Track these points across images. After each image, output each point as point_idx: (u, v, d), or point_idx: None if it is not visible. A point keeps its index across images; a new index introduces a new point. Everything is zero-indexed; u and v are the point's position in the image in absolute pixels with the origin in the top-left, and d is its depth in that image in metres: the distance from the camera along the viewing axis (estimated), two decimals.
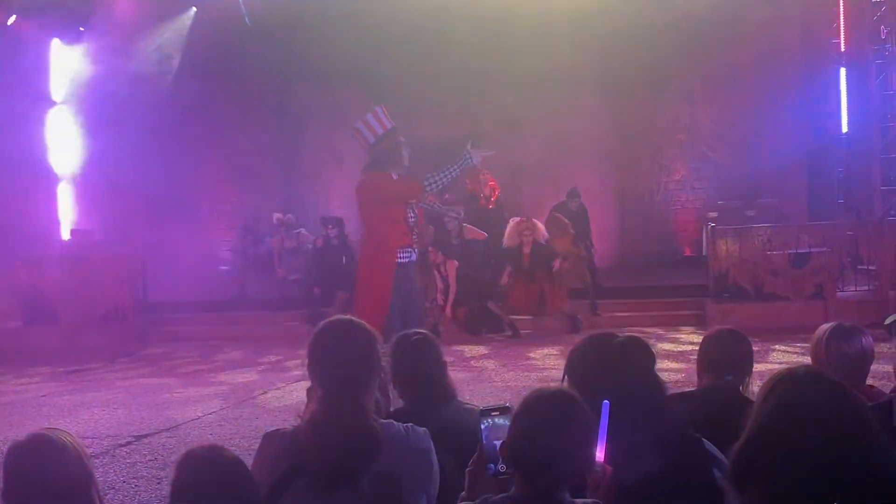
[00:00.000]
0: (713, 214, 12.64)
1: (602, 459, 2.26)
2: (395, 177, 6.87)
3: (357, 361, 2.68)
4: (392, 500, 2.59)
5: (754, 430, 1.99)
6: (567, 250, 11.67)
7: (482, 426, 2.49)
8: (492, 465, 2.30)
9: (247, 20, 13.93)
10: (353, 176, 7.46)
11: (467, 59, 14.30)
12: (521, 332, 11.43)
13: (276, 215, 13.56)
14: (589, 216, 12.62)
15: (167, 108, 14.58)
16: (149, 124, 14.04)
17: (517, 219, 11.63)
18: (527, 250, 11.31)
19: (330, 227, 12.41)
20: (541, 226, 11.56)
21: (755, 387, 7.49)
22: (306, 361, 2.71)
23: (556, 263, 11.24)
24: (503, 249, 11.64)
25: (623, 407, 2.26)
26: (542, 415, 2.23)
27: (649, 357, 2.58)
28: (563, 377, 2.61)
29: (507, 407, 2.39)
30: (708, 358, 3.52)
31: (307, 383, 2.73)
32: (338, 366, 2.65)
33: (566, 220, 12.03)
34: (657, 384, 2.56)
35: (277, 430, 2.71)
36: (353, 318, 2.79)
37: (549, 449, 2.18)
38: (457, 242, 11.85)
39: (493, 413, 2.46)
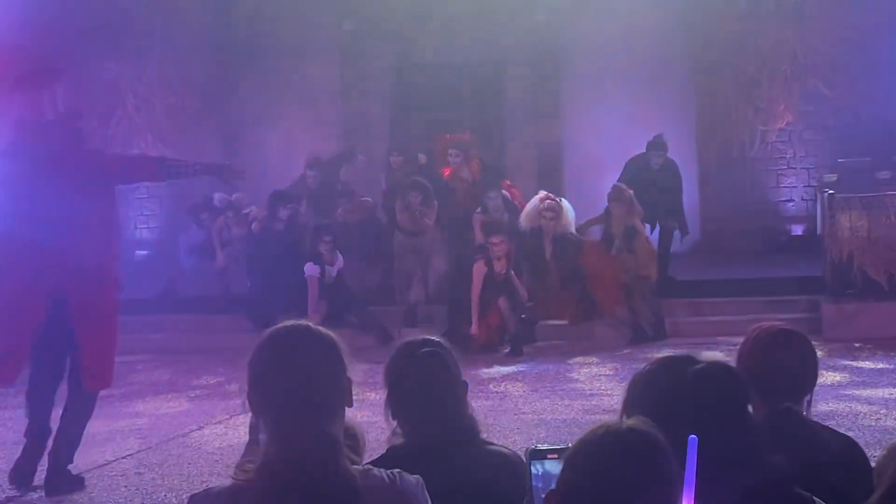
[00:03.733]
0: (831, 177, 13.19)
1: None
2: None
3: (320, 381, 2.74)
4: None
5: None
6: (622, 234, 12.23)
7: (532, 472, 2.60)
8: None
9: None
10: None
11: None
12: (554, 342, 11.92)
13: (219, 195, 13.97)
14: (681, 180, 13.03)
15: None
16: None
17: (543, 193, 12.29)
18: (547, 241, 12.07)
19: (283, 206, 12.90)
20: (569, 212, 12.23)
21: (887, 419, 7.74)
22: (246, 387, 2.76)
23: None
24: (520, 233, 12.33)
25: (705, 458, 2.34)
26: (609, 461, 2.29)
27: (739, 390, 2.70)
28: (621, 418, 2.70)
29: (568, 448, 2.49)
30: (754, 373, 3.52)
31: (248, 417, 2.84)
32: (293, 388, 2.69)
33: (628, 191, 12.45)
34: (750, 427, 2.70)
35: (208, 490, 2.75)
36: (310, 323, 2.88)
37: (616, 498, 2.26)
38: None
39: (550, 455, 2.57)
